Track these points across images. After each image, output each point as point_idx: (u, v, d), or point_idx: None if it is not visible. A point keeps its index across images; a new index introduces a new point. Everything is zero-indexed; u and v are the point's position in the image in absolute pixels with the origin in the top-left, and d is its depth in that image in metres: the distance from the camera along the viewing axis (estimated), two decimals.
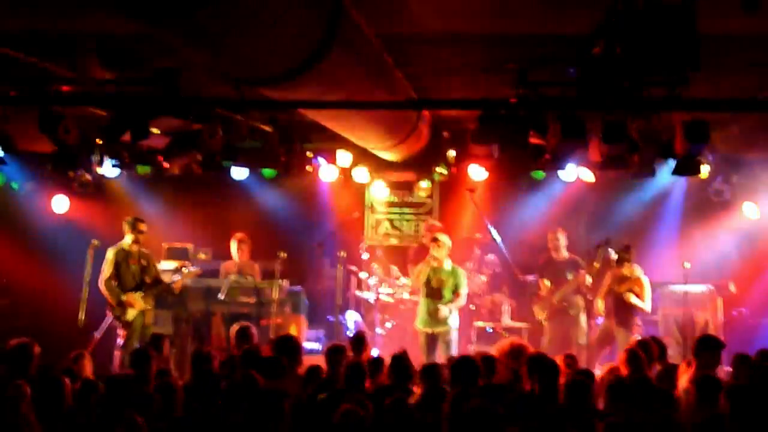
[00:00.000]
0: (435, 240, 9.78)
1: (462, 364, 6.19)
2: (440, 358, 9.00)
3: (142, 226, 9.81)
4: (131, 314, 9.55)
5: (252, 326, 7.93)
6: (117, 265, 9.60)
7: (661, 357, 7.29)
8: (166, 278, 10.09)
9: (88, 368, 6.90)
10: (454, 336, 9.62)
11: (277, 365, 6.32)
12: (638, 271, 9.78)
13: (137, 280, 9.73)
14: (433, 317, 9.61)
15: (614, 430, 4.74)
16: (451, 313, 9.58)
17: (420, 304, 9.88)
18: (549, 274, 10.43)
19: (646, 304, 9.72)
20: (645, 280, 9.76)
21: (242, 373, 5.91)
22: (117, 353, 9.41)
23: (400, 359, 6.44)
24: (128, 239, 9.75)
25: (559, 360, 6.59)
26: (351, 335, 7.90)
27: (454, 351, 9.47)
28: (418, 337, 10.10)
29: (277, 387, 5.63)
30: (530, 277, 10.91)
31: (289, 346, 6.99)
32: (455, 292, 9.65)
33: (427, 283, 9.68)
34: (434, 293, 9.65)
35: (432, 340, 9.60)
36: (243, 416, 5.16)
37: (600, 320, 10.08)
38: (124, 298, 9.52)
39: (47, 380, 5.72)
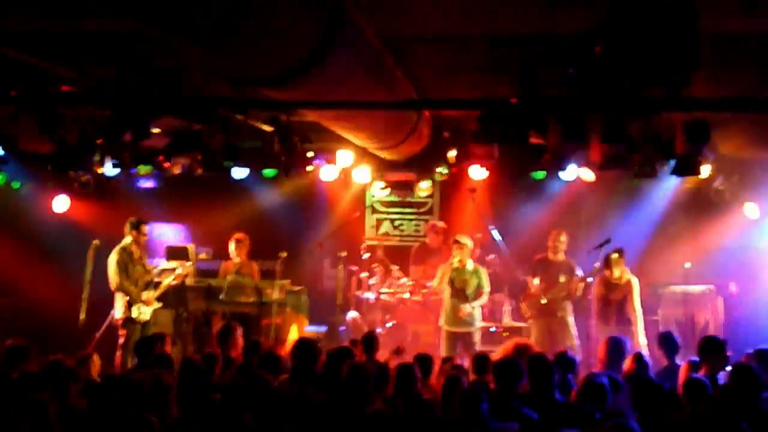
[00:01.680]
0: (456, 242, 9.99)
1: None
2: (463, 358, 9.03)
3: (144, 229, 9.84)
4: (147, 313, 9.63)
5: (236, 325, 7.87)
6: (125, 265, 9.64)
7: (670, 355, 7.28)
8: (165, 278, 10.11)
9: (94, 369, 6.91)
10: (477, 337, 9.83)
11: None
12: (627, 274, 9.76)
13: (145, 279, 9.80)
14: (457, 316, 9.82)
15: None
16: (473, 309, 9.80)
17: (444, 303, 10.09)
18: (541, 273, 10.41)
19: (637, 308, 9.68)
20: (635, 282, 9.74)
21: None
22: (119, 353, 9.43)
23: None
24: (128, 240, 9.77)
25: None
26: (363, 335, 7.86)
27: (478, 348, 9.66)
28: (419, 337, 10.19)
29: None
30: (530, 277, 10.91)
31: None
32: (478, 290, 9.91)
33: (451, 283, 9.95)
34: (458, 293, 9.93)
35: (454, 340, 9.75)
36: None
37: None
38: (144, 297, 9.59)
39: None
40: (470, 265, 9.96)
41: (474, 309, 9.88)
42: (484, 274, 10.05)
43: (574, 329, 10.19)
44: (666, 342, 7.36)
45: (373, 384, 5.93)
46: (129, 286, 9.56)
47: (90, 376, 6.67)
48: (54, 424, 4.92)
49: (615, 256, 9.73)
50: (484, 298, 10.03)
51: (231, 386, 5.86)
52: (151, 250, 11.12)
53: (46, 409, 4.92)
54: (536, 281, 10.38)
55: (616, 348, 7.01)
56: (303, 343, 6.76)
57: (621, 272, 9.70)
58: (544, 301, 10.20)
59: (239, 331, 7.68)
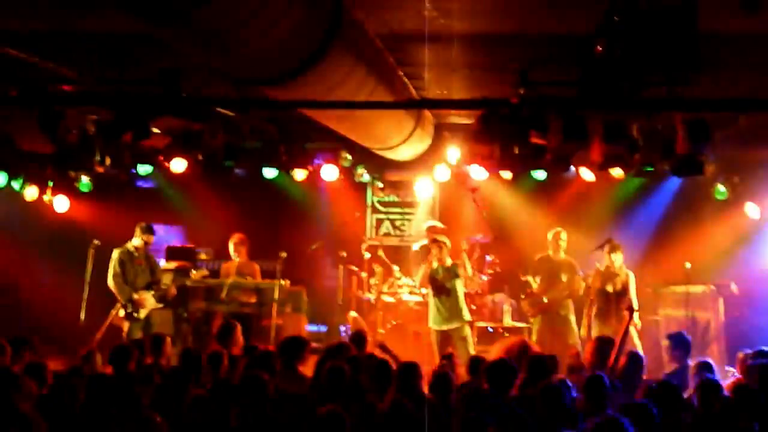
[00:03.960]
0: (435, 241, 10.01)
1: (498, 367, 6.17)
2: (460, 357, 9.02)
3: (151, 238, 9.90)
4: (143, 313, 9.69)
5: (236, 323, 7.91)
6: (122, 264, 9.68)
7: (683, 356, 7.26)
8: (166, 280, 10.14)
9: (99, 364, 6.95)
10: (468, 331, 9.83)
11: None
12: (625, 267, 9.81)
13: (147, 279, 9.83)
14: (443, 314, 9.87)
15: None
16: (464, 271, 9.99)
17: (429, 304, 10.07)
18: (543, 272, 10.42)
19: (634, 300, 9.72)
20: (632, 275, 9.79)
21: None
22: None
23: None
24: (135, 242, 9.84)
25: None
26: (350, 334, 7.95)
27: (472, 348, 9.65)
28: (419, 337, 10.22)
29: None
30: (531, 276, 10.91)
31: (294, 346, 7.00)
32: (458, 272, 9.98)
33: (433, 282, 9.89)
34: (441, 290, 9.93)
35: (445, 338, 9.77)
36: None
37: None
38: (136, 296, 9.64)
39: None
40: (449, 262, 9.99)
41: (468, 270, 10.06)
42: (459, 263, 10.05)
43: (575, 327, 10.19)
44: (679, 343, 7.35)
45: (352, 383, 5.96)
46: (120, 285, 9.61)
47: (95, 371, 6.69)
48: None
49: (611, 248, 9.75)
50: (469, 270, 10.22)
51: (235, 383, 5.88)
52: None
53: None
54: (537, 280, 10.39)
55: (604, 348, 7.02)
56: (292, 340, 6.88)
57: (620, 264, 9.74)
58: (545, 299, 10.21)
59: (239, 329, 7.71)
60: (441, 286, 9.92)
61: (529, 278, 10.51)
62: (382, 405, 5.41)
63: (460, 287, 9.96)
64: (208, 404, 5.25)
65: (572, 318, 10.24)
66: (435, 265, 9.94)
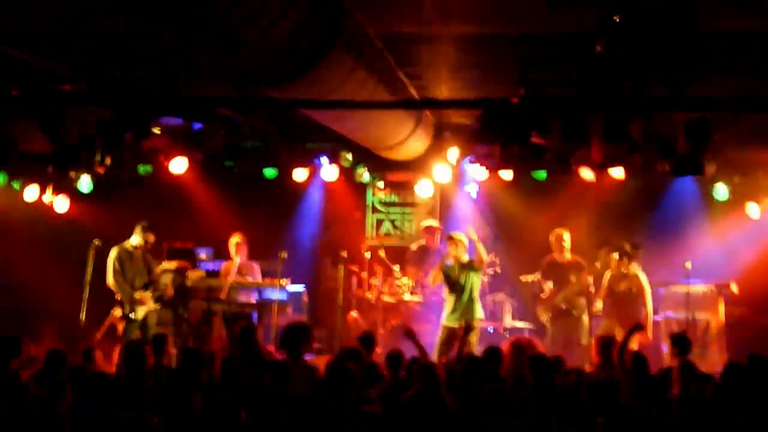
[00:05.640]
0: (450, 238, 9.83)
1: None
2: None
3: (151, 237, 9.88)
4: (141, 313, 9.66)
5: (256, 324, 7.92)
6: (121, 262, 9.68)
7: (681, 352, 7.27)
8: (165, 280, 10.14)
9: (99, 361, 6.96)
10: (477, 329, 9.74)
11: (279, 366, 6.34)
12: (637, 269, 9.80)
13: (145, 279, 9.82)
14: (458, 310, 9.70)
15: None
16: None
17: (445, 300, 9.96)
18: (552, 276, 10.40)
19: (648, 304, 9.72)
20: (644, 278, 9.77)
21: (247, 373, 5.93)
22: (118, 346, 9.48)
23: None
24: (133, 241, 9.82)
25: None
26: (359, 335, 7.91)
27: (477, 347, 9.61)
28: (420, 336, 10.15)
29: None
30: (530, 277, 10.90)
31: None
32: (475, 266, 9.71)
33: (447, 279, 9.79)
34: (456, 287, 9.76)
35: (452, 335, 9.63)
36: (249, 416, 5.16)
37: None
38: (136, 296, 9.63)
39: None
40: (465, 258, 9.78)
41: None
42: (476, 255, 9.74)
43: (587, 327, 10.16)
44: (679, 342, 7.37)
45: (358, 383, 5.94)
46: (120, 283, 9.60)
47: (93, 370, 6.70)
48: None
49: (615, 256, 9.75)
50: (484, 255, 9.72)
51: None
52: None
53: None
54: (549, 285, 10.37)
55: (607, 347, 7.02)
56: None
57: (627, 267, 9.73)
58: (564, 306, 10.18)
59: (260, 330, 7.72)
60: (455, 282, 9.81)
61: (544, 284, 10.46)
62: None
63: (476, 283, 9.81)
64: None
65: (585, 319, 10.21)
66: (451, 262, 9.83)
